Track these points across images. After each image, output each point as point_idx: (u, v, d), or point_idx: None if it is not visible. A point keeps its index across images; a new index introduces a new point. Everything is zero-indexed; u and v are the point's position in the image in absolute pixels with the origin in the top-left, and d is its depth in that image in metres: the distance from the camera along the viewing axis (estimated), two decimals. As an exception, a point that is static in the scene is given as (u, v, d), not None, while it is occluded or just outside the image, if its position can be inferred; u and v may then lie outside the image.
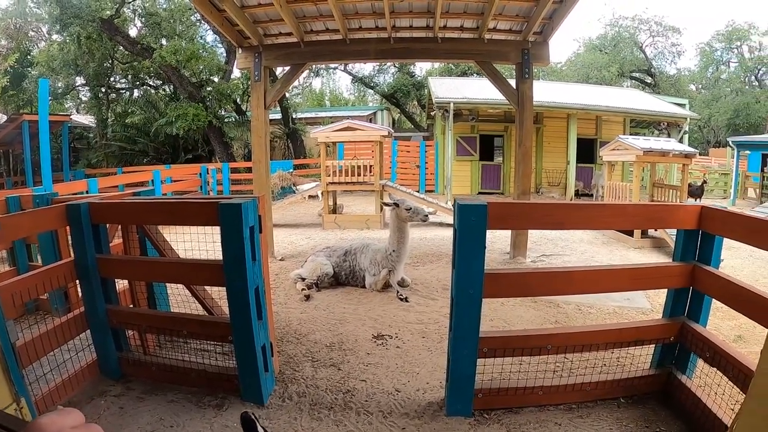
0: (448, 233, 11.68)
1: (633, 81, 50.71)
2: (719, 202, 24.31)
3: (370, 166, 14.72)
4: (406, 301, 7.34)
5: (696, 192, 20.98)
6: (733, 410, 3.63)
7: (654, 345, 4.58)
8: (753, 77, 51.35)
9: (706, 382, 4.12)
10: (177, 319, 4.59)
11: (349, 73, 41.74)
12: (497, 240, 11.58)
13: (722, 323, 6.55)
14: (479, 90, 21.91)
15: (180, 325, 4.52)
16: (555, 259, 10.62)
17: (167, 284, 5.37)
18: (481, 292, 3.87)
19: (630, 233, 12.27)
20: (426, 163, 24.12)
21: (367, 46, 10.17)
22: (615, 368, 4.62)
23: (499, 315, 6.72)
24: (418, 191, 21.62)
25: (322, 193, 15.05)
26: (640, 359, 4.66)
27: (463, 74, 35.97)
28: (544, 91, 23.43)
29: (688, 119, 22.57)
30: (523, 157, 9.93)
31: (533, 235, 12.34)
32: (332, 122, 18.43)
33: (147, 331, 4.82)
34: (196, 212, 4.21)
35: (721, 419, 3.67)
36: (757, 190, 24.82)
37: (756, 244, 3.69)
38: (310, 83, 48.18)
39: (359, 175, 14.67)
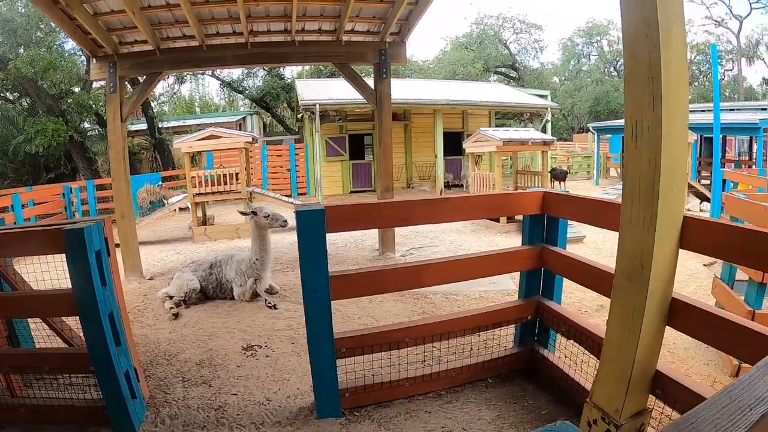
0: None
1: (499, 76, 53.05)
2: (583, 183, 25.68)
3: (236, 173, 14.39)
4: (275, 308, 7.26)
5: (559, 176, 22.00)
6: (591, 376, 3.81)
7: (515, 325, 4.78)
8: (612, 68, 56.09)
9: (566, 354, 4.35)
10: (36, 356, 4.33)
11: (217, 78, 40.86)
12: (368, 238, 11.69)
13: (585, 295, 6.96)
14: (346, 91, 21.99)
15: (40, 361, 4.25)
16: (424, 251, 10.86)
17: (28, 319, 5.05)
18: (328, 295, 3.89)
19: (497, 219, 12.77)
20: (297, 166, 23.91)
21: (224, 52, 9.94)
22: (481, 351, 4.76)
23: (368, 312, 6.82)
24: (290, 195, 21.54)
25: (190, 205, 14.63)
26: (505, 339, 4.84)
27: (332, 75, 36.06)
28: (411, 89, 23.89)
29: (549, 109, 23.80)
30: (383, 154, 10.10)
31: (405, 228, 12.57)
32: (200, 129, 17.93)
33: (10, 372, 4.54)
34: (37, 240, 3.95)
35: (583, 386, 3.91)
36: (618, 170, 26.45)
37: (583, 220, 3.95)
38: (178, 90, 46.93)
39: (226, 183, 14.32)
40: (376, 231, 11.07)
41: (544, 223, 4.52)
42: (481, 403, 4.22)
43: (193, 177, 14.23)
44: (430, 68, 53.11)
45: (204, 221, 15.03)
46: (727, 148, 32.75)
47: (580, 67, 55.60)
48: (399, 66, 10.66)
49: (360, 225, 4.28)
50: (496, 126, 24.40)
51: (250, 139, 14.74)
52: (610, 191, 18.75)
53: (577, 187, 23.94)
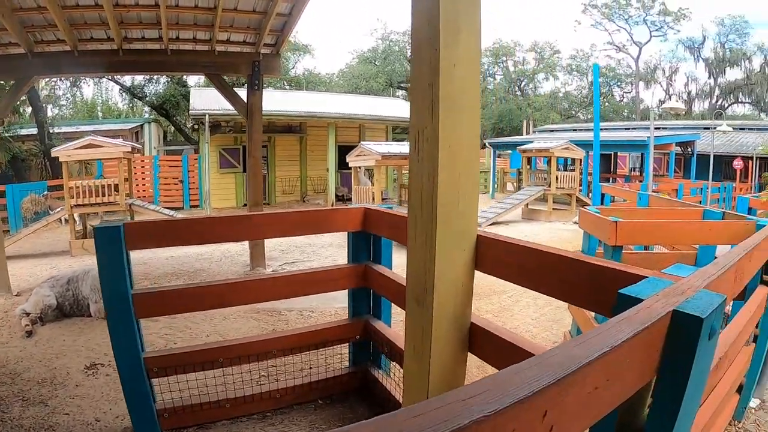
0: (193, 250, 11.49)
1: (401, 90, 53.66)
2: (480, 197, 26.26)
3: (116, 184, 13.89)
4: (131, 325, 7.02)
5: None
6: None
7: (348, 344, 4.71)
8: (516, 87, 58.07)
9: (399, 376, 4.30)
10: None
11: (116, 82, 39.40)
12: (245, 252, 11.47)
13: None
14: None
15: None
16: (298, 265, 10.80)
17: None
18: (131, 313, 3.75)
19: None
20: (190, 177, 23.26)
21: (97, 58, 9.64)
22: (313, 371, 4.70)
23: (218, 330, 6.70)
24: (182, 208, 21.09)
25: (69, 217, 14.02)
26: (341, 359, 4.79)
27: (234, 84, 35.62)
28: (307, 101, 23.79)
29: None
30: (252, 168, 9.93)
31: (283, 242, 12.48)
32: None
33: None
34: None
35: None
36: (514, 184, 27.29)
37: (395, 238, 3.92)
38: (79, 94, 45.28)
39: (104, 195, 13.78)
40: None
41: (370, 240, 4.47)
42: (305, 426, 4.16)
43: (71, 187, 13.63)
44: (333, 81, 53.29)
45: (84, 234, 14.38)
46: (621, 164, 34.48)
47: (485, 86, 56.87)
48: (273, 77, 10.57)
49: (162, 242, 4.17)
50: (395, 141, 24.58)
51: (130, 149, 14.22)
52: (496, 205, 19.10)
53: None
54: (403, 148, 13.72)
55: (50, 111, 40.24)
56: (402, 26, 67.11)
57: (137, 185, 21.53)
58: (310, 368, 4.77)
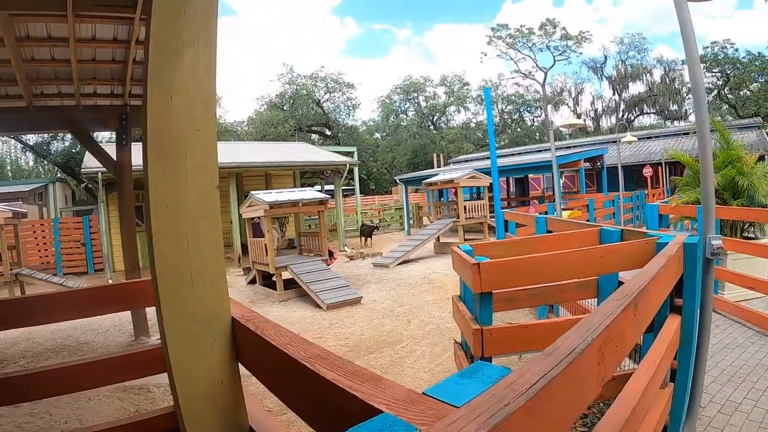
0: (83, 321, 10.75)
1: (314, 134, 53.79)
2: (397, 234, 25.98)
3: (-1, 254, 12.85)
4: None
5: (365, 231, 21.98)
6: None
7: None
8: (429, 122, 58.68)
9: None
10: None
11: (18, 140, 37.74)
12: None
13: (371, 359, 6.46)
14: (136, 158, 20.83)
15: None
16: None
17: None
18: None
19: (273, 287, 12.93)
20: (93, 239, 21.89)
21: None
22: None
23: (79, 414, 6.06)
24: (86, 272, 20.07)
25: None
26: None
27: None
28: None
29: (348, 165, 23.59)
30: (126, 231, 9.25)
31: None
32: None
33: None
34: None
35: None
36: (430, 218, 27.09)
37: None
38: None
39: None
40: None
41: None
42: None
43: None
44: (241, 129, 53.31)
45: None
46: (535, 185, 34.99)
47: (398, 122, 57.37)
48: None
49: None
50: (302, 185, 24.09)
51: (11, 215, 13.22)
52: (406, 243, 18.66)
53: (388, 238, 24.16)
54: (295, 194, 13.31)
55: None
56: (308, 69, 67.64)
57: (38, 251, 20.81)
58: None
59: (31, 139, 37.11)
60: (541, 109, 57.96)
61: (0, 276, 12.72)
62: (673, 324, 3.37)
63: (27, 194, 25.96)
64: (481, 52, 58.27)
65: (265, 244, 12.52)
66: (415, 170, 45.00)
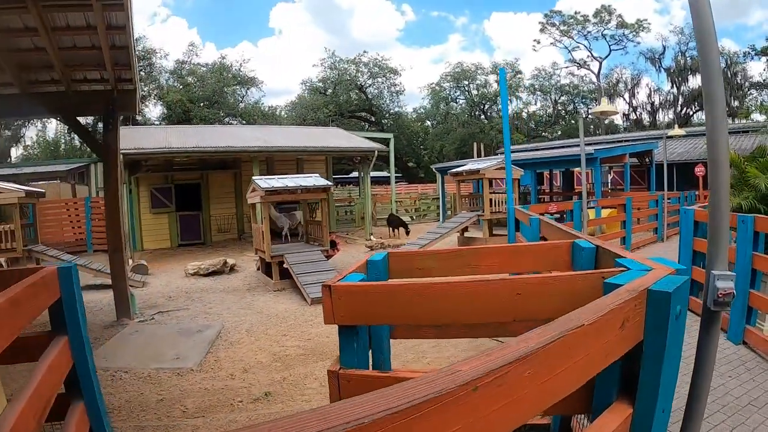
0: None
1: (356, 120, 53.38)
2: (433, 225, 25.75)
3: (12, 230, 13.15)
4: None
5: (394, 222, 21.77)
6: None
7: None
8: (479, 110, 57.64)
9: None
10: None
11: (62, 121, 38.82)
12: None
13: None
14: (164, 139, 21.25)
15: None
16: (172, 314, 10.39)
17: None
18: None
19: (270, 275, 13.04)
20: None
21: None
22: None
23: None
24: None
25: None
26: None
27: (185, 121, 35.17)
28: (232, 137, 23.28)
29: (375, 152, 23.20)
30: (110, 211, 9.35)
31: (172, 287, 12.50)
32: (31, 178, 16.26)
33: None
34: None
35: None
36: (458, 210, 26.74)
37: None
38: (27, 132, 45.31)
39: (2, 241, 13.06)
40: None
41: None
42: None
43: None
44: (280, 115, 53.20)
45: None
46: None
47: (448, 110, 56.54)
48: (129, 114, 10.00)
49: None
50: (335, 171, 23.98)
51: (24, 194, 13.44)
52: (425, 235, 18.42)
53: (422, 229, 23.77)
54: (295, 181, 13.23)
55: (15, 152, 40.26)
56: (351, 53, 67.31)
57: (72, 229, 21.50)
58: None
59: (82, 120, 38.10)
60: (595, 100, 56.41)
61: (12, 251, 13.09)
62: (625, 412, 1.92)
63: (66, 174, 26.36)
64: (534, 40, 56.69)
65: (263, 231, 12.50)
66: (463, 159, 44.55)
